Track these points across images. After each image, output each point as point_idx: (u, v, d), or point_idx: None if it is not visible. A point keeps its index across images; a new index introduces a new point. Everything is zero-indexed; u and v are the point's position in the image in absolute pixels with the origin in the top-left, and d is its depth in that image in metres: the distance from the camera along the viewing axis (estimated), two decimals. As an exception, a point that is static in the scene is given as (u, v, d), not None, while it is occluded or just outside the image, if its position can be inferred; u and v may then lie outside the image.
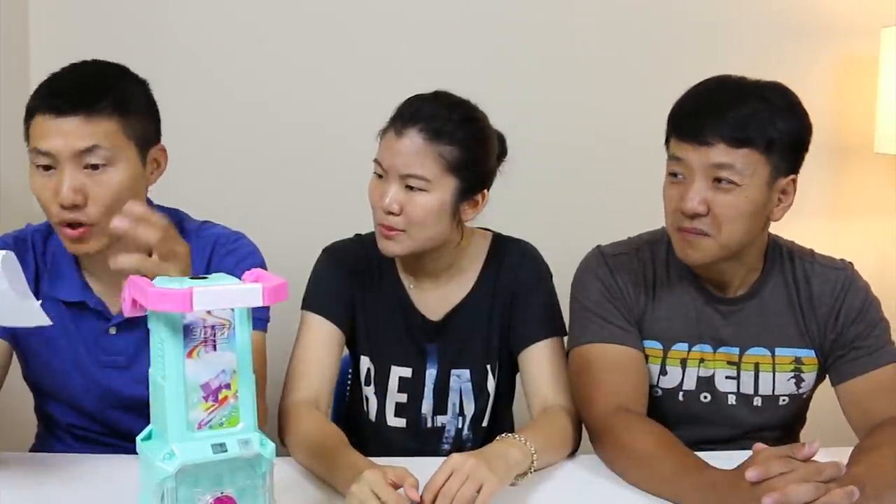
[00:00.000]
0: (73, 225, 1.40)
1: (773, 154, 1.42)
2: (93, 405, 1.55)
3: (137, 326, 1.40)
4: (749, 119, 1.40)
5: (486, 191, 1.58)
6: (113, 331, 1.53)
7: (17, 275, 1.17)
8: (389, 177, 1.52)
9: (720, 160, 1.40)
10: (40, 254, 1.55)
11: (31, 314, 1.19)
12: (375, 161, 1.55)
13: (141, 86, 1.50)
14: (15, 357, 1.59)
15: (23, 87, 2.21)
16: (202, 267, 1.54)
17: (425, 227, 1.52)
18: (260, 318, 1.53)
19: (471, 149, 1.52)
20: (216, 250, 1.56)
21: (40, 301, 1.21)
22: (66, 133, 1.37)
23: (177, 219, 1.60)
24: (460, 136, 1.50)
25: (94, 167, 1.40)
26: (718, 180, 1.41)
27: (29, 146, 1.43)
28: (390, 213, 1.51)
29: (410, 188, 1.50)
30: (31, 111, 1.42)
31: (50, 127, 1.38)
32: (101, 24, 2.29)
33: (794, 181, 1.47)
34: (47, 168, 1.40)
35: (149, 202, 1.57)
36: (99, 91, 1.41)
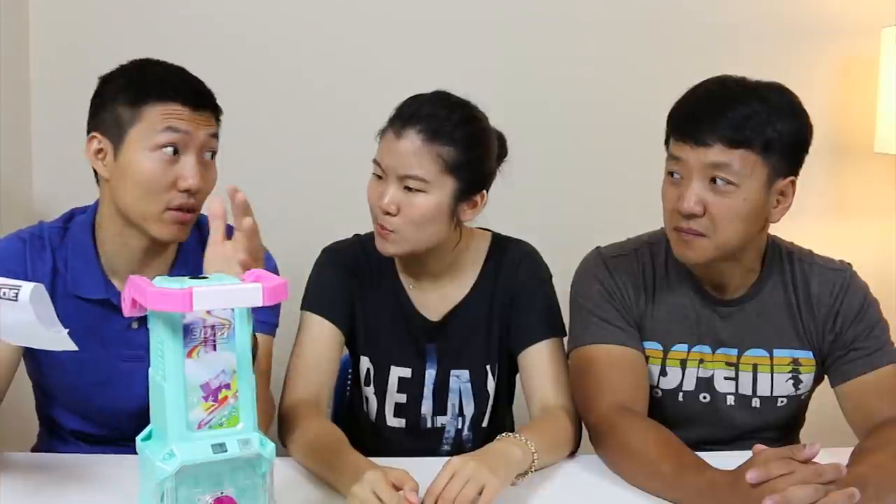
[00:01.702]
0: (184, 210, 1.46)
1: (772, 155, 1.41)
2: (101, 408, 1.55)
3: None
4: (747, 120, 1.40)
5: (484, 192, 1.58)
6: (135, 325, 1.53)
7: (45, 307, 1.16)
8: (388, 177, 1.51)
9: (717, 160, 1.40)
10: (58, 251, 1.54)
11: (57, 340, 1.19)
12: (374, 161, 1.55)
13: None
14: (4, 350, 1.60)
15: (23, 87, 2.21)
16: None
17: (422, 228, 1.52)
18: (269, 322, 1.54)
19: (470, 150, 1.52)
20: None
21: (62, 327, 1.19)
22: (202, 123, 1.46)
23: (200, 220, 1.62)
24: (459, 137, 1.50)
25: (209, 158, 1.49)
26: (715, 181, 1.41)
27: (152, 129, 1.44)
28: (388, 213, 1.51)
29: (408, 189, 1.50)
30: (159, 95, 1.44)
31: (190, 116, 1.45)
32: (101, 25, 2.29)
33: (793, 183, 1.47)
34: (169, 155, 1.44)
35: None
36: (212, 96, 1.52)
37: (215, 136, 1.50)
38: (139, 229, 1.48)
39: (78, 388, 1.55)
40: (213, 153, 1.50)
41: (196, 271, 1.53)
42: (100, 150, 1.47)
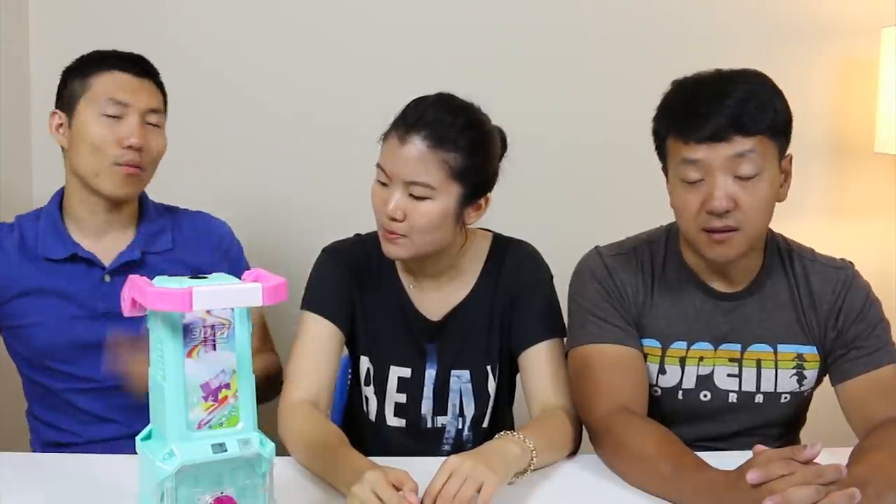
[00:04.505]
0: (131, 165, 1.60)
1: (778, 136, 1.44)
2: (86, 362, 1.60)
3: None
4: (753, 107, 1.41)
5: (489, 194, 1.58)
6: (107, 279, 1.62)
7: None
8: (393, 183, 1.50)
9: (739, 150, 1.41)
10: (28, 229, 1.65)
11: None
12: (378, 166, 1.53)
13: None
14: (4, 350, 1.66)
15: (23, 87, 2.21)
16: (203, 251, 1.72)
17: (429, 234, 1.51)
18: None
19: (475, 154, 1.51)
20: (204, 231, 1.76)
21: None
22: (145, 91, 1.64)
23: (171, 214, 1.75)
24: (464, 143, 1.49)
25: (151, 125, 1.64)
26: (740, 172, 1.42)
27: (97, 95, 1.60)
28: (394, 219, 1.50)
29: (414, 195, 1.49)
30: (103, 66, 1.62)
31: (131, 83, 1.62)
32: (101, 25, 2.29)
33: (790, 158, 1.49)
34: (113, 117, 1.60)
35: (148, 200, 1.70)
36: (154, 68, 1.69)
37: (157, 109, 1.65)
38: (97, 193, 1.62)
39: (60, 351, 1.61)
40: (157, 125, 1.65)
41: (159, 234, 1.70)
42: (60, 125, 1.63)
